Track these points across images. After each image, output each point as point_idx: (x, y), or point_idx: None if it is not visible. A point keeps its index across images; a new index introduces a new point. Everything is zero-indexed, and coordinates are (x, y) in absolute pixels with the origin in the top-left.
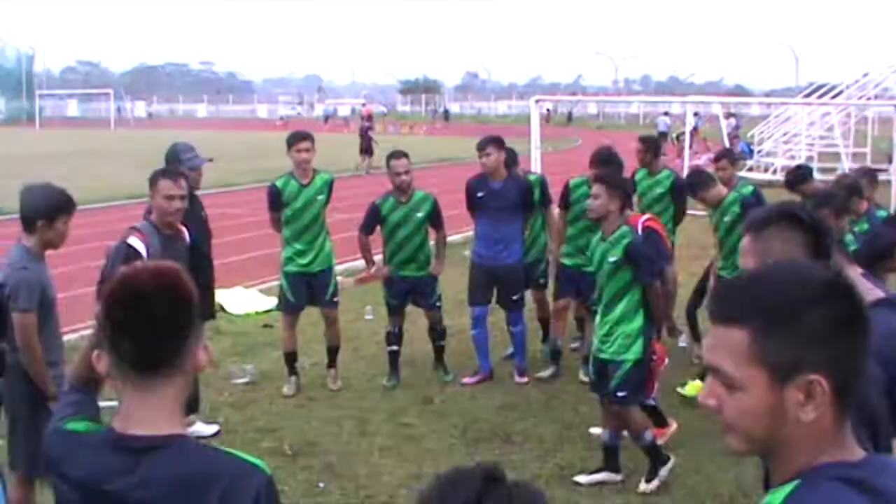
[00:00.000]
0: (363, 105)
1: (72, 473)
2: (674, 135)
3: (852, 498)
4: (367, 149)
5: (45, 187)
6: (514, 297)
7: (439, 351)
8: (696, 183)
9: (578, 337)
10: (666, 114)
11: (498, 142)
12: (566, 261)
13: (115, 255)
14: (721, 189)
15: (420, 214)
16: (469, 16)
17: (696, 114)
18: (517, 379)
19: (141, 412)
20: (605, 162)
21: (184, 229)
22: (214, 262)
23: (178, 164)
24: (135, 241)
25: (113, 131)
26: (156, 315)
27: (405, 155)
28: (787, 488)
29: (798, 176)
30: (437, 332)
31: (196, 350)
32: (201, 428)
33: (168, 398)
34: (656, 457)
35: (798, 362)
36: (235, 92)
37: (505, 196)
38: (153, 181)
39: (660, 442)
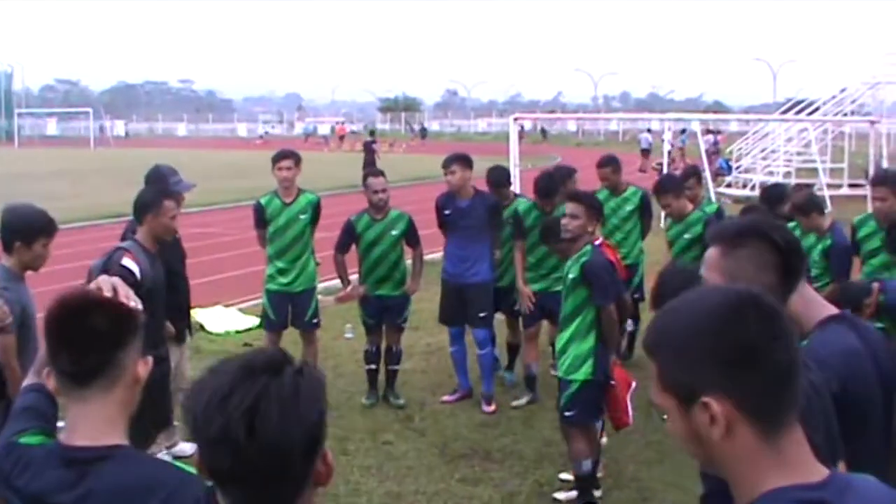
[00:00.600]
0: (339, 123)
1: (23, 488)
2: (653, 164)
3: None
4: (370, 163)
5: (24, 208)
6: (482, 315)
7: (392, 375)
8: (667, 187)
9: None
10: (649, 130)
11: (464, 160)
12: (534, 286)
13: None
14: (686, 204)
15: (395, 232)
16: (448, 34)
17: (682, 130)
18: (484, 408)
19: (83, 424)
20: (549, 191)
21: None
22: (193, 282)
23: (164, 185)
24: (129, 263)
25: (93, 150)
26: (87, 328)
27: (382, 173)
28: None
29: (774, 196)
30: (392, 354)
31: (135, 363)
32: (185, 447)
33: (108, 409)
34: (585, 489)
35: (694, 386)
36: (215, 110)
37: (471, 214)
38: (155, 202)
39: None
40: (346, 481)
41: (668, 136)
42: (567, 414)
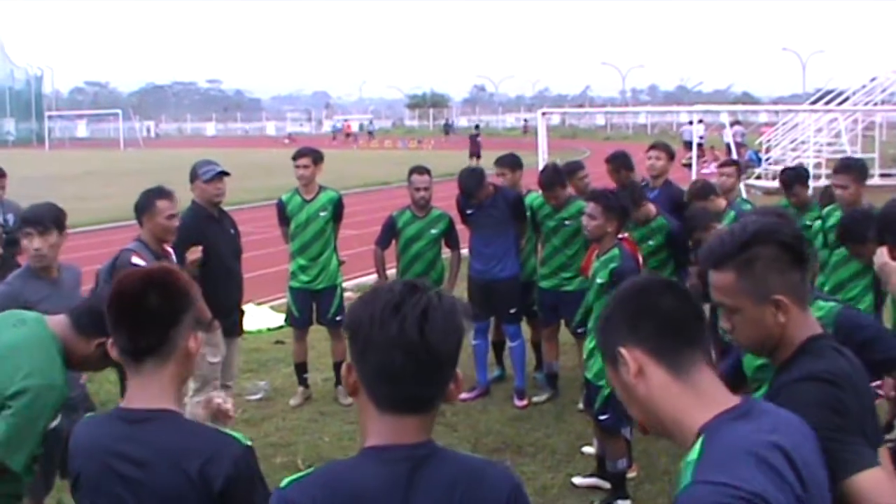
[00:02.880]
0: (345, 121)
1: (81, 443)
2: (683, 160)
3: (743, 426)
4: (475, 154)
5: (41, 206)
6: (511, 311)
7: None
8: (698, 192)
9: None
10: (700, 121)
11: (515, 163)
12: (544, 283)
13: None
14: (720, 202)
15: (435, 231)
16: (476, 30)
17: (737, 122)
18: (516, 402)
19: (139, 392)
20: (548, 184)
21: (170, 250)
22: None
23: (196, 179)
24: (138, 261)
25: (122, 151)
26: (143, 310)
27: (427, 171)
28: (698, 442)
29: (794, 177)
30: None
31: (187, 339)
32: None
33: (161, 381)
34: (618, 487)
35: (613, 344)
36: (243, 110)
37: (493, 211)
38: (148, 205)
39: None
40: None
41: (698, 129)
42: (602, 418)
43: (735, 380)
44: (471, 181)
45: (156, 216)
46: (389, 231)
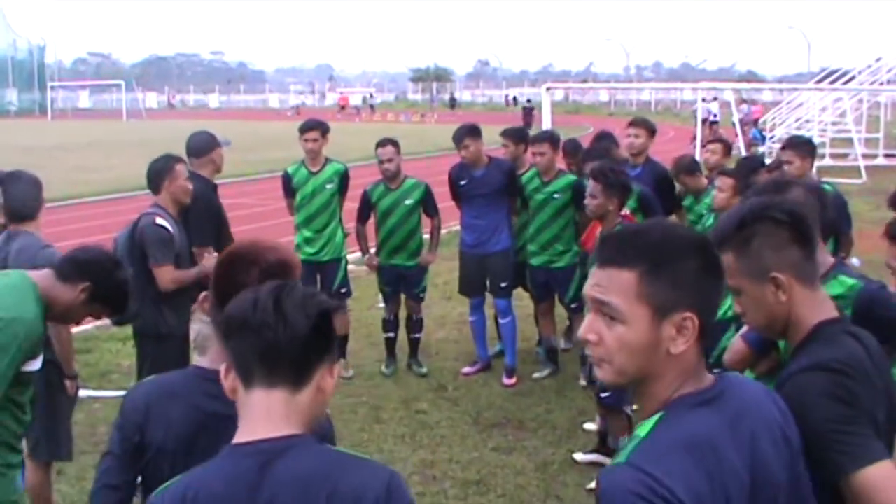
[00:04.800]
0: (340, 94)
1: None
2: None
3: (703, 414)
4: (527, 125)
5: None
6: (503, 285)
7: (414, 343)
8: (687, 167)
9: (568, 338)
10: (714, 99)
11: (474, 131)
12: (534, 261)
13: (152, 239)
14: (702, 180)
15: (409, 201)
16: (480, 4)
17: (744, 100)
18: (505, 380)
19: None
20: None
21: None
22: None
23: (215, 148)
24: (162, 221)
25: (125, 122)
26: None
27: (392, 142)
28: (654, 419)
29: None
30: (413, 322)
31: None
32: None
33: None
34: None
35: (675, 302)
36: (247, 82)
37: (487, 183)
38: (168, 168)
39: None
40: (379, 449)
41: (712, 106)
42: (604, 395)
43: (764, 348)
44: (569, 144)
45: (177, 178)
46: (366, 206)
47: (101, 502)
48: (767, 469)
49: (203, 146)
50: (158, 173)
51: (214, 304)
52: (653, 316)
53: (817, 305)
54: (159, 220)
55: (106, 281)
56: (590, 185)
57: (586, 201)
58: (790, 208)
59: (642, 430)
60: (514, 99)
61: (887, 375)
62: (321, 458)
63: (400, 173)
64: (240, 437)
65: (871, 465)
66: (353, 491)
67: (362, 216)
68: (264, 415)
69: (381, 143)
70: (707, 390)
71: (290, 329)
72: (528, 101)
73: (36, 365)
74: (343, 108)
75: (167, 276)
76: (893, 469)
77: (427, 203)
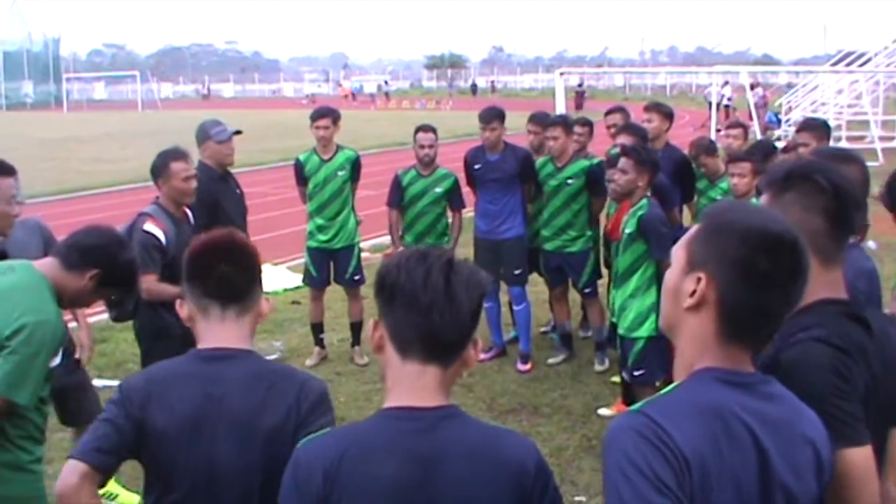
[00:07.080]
0: (338, 84)
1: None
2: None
3: (723, 390)
4: (579, 106)
5: None
6: (516, 272)
7: None
8: (707, 148)
9: (584, 325)
10: (726, 83)
11: (503, 116)
12: (547, 246)
13: (137, 245)
14: (720, 163)
15: (439, 190)
16: None
17: (754, 84)
18: (519, 366)
19: (221, 334)
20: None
21: (188, 211)
22: None
23: (207, 140)
24: (151, 228)
25: (140, 113)
26: (234, 257)
27: (433, 129)
28: (676, 383)
29: (764, 152)
30: None
31: (261, 298)
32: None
33: (241, 328)
34: None
35: (704, 262)
36: (261, 71)
37: (501, 168)
38: (163, 167)
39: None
40: None
41: (726, 90)
42: (637, 373)
43: None
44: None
45: (171, 179)
46: (397, 190)
47: (93, 455)
48: (790, 473)
49: (197, 135)
50: (154, 172)
51: (189, 291)
52: (685, 264)
53: (825, 283)
54: (147, 226)
55: (113, 265)
56: (621, 161)
57: (615, 177)
58: (838, 181)
59: (664, 391)
60: (475, 86)
61: (891, 364)
62: (478, 427)
63: (435, 161)
64: (393, 402)
65: (856, 447)
66: (516, 457)
67: (394, 200)
68: (420, 385)
69: (423, 129)
70: (738, 373)
71: (455, 313)
72: (580, 84)
73: (57, 360)
74: (346, 97)
75: (144, 284)
76: (872, 456)
77: (453, 195)
